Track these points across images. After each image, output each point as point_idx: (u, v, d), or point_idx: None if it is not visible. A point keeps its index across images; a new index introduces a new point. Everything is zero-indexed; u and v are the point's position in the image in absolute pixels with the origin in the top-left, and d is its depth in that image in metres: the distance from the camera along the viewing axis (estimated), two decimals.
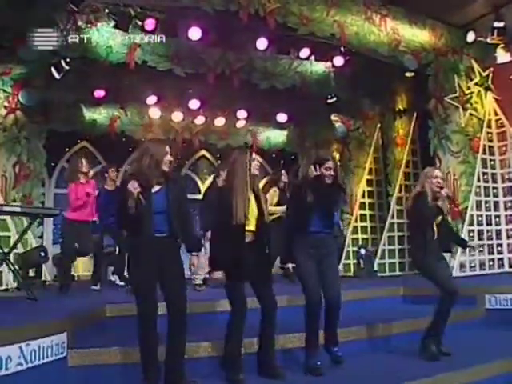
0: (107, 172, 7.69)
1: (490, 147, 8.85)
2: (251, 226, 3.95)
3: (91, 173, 10.05)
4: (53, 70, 7.61)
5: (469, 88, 8.80)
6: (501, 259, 8.66)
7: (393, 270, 9.67)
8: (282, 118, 9.79)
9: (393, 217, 9.80)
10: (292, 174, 7.67)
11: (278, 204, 7.35)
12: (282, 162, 11.83)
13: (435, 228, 4.54)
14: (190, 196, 10.67)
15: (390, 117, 10.23)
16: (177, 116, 9.37)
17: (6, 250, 5.42)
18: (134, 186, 3.52)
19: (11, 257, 5.80)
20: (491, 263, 8.54)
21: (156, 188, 3.68)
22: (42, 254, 7.13)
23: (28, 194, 8.69)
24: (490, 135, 8.86)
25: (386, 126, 10.36)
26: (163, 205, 3.62)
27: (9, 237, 7.39)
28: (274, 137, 11.13)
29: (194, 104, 8.93)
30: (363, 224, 10.56)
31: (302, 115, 9.94)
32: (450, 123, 8.74)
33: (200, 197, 11.00)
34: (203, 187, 11.07)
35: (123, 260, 7.44)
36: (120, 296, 5.81)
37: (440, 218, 4.56)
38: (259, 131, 10.92)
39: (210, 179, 8.10)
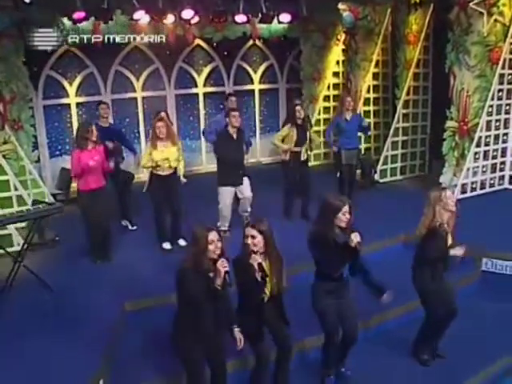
0: (97, 109, 7.19)
1: (511, 60, 8.18)
2: (267, 289, 3.91)
3: (80, 77, 9.45)
4: None
5: None
6: (502, 176, 8.73)
7: (394, 174, 9.75)
8: (285, 18, 8.68)
9: (398, 121, 9.50)
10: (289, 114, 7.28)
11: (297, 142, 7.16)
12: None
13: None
14: (185, 90, 10.33)
15: (405, 10, 9.18)
16: (168, 19, 8.29)
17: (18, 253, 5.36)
18: (223, 265, 3.48)
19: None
20: (492, 181, 8.64)
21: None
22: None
23: (17, 119, 8.24)
24: None
25: (399, 21, 9.37)
26: None
27: (7, 180, 7.28)
28: (275, 23, 10.02)
29: (188, 14, 7.83)
30: (367, 120, 10.22)
31: (307, 9, 8.81)
32: (471, 34, 7.93)
33: (195, 91, 10.57)
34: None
35: (124, 201, 7.44)
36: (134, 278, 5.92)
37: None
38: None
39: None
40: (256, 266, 3.77)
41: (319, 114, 11.07)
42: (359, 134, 8.03)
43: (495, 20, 7.95)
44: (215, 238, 3.58)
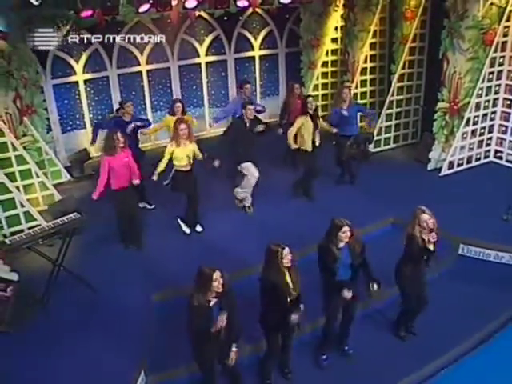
0: (122, 107, 7.69)
1: (504, 43, 8.49)
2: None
3: (86, 54, 9.67)
4: None
5: None
6: (488, 150, 9.30)
7: (387, 143, 10.27)
8: None
9: (393, 94, 9.88)
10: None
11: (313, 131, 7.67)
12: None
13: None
14: (187, 61, 10.58)
15: None
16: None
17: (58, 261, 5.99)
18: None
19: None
20: (478, 156, 9.23)
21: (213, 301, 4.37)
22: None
23: (30, 104, 8.63)
24: (506, 30, 8.39)
25: None
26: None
27: (29, 169, 7.86)
28: None
29: (191, 3, 8.01)
30: (363, 90, 10.63)
31: None
32: (466, 19, 8.21)
33: (198, 61, 10.83)
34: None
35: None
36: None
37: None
38: None
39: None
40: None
41: (317, 79, 11.42)
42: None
43: (491, 3, 8.20)
44: (218, 276, 4.24)
